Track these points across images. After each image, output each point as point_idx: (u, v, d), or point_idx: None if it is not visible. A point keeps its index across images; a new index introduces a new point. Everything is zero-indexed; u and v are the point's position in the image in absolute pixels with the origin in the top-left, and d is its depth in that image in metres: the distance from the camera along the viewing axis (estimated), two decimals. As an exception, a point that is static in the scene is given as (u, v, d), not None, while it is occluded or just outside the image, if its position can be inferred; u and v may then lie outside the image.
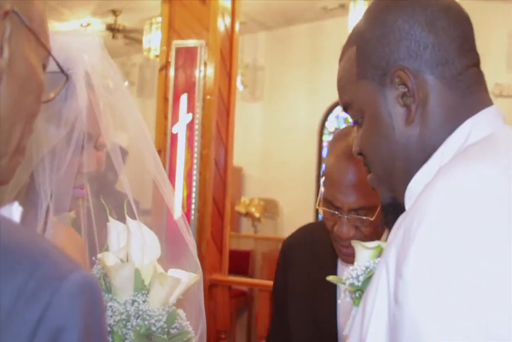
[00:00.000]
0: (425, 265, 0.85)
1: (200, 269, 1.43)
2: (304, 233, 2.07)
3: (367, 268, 1.11)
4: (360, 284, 1.10)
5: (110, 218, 1.38)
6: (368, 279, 1.09)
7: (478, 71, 1.11)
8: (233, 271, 5.15)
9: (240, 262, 7.15)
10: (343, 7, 8.11)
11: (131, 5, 7.43)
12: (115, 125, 1.48)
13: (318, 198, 1.82)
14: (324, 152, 9.07)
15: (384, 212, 1.19)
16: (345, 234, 1.70)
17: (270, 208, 8.94)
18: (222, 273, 4.30)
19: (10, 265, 0.67)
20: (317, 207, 1.80)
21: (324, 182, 1.78)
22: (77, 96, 1.33)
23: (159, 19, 6.11)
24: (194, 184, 4.15)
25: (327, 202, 1.73)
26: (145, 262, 1.33)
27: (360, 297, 1.11)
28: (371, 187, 1.69)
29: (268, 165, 9.33)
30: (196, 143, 4.14)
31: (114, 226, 1.38)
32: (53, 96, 0.94)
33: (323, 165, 1.82)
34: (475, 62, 1.11)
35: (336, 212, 1.71)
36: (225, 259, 4.32)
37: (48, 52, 0.86)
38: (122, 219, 1.38)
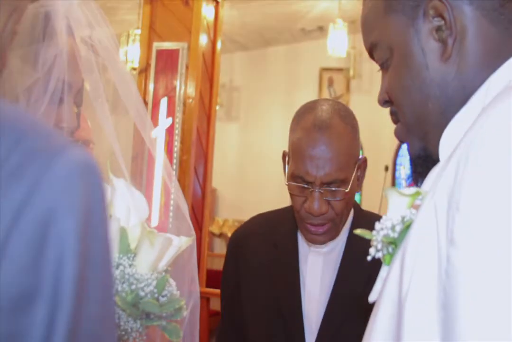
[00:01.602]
0: (492, 195, 0.70)
1: (194, 233, 1.29)
2: (258, 221, 1.99)
3: (403, 217, 0.95)
4: (396, 235, 0.94)
5: None
6: (405, 230, 0.93)
7: None
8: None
9: (215, 281, 6.97)
10: (322, 29, 8.12)
11: (108, 19, 7.33)
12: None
13: (286, 174, 1.74)
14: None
15: (413, 164, 1.07)
16: (317, 210, 1.63)
17: (244, 230, 8.81)
18: (200, 286, 4.12)
19: None
20: (285, 183, 1.71)
21: (290, 158, 1.71)
22: (57, 37, 1.21)
23: (137, 31, 6.03)
24: (172, 191, 3.98)
25: (297, 177, 1.66)
26: (131, 223, 1.18)
27: (393, 253, 0.95)
28: (348, 159, 1.64)
29: (243, 186, 9.22)
30: (175, 149, 3.99)
31: None
32: None
33: (288, 142, 1.74)
34: None
35: (307, 186, 1.64)
36: (202, 272, 4.16)
37: None
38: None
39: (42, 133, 0.56)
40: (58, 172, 0.52)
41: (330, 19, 7.10)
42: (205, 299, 4.10)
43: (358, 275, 1.68)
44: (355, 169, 1.68)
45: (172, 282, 1.20)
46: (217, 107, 8.49)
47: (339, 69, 8.64)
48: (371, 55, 1.09)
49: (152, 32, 4.10)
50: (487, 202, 0.70)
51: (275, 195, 9.02)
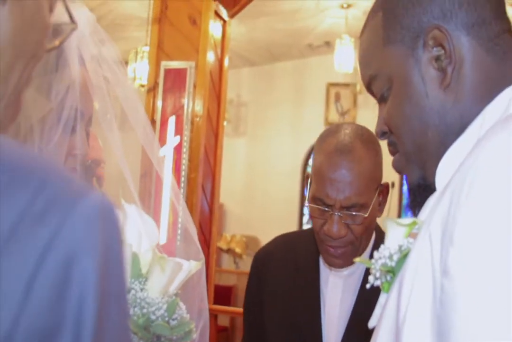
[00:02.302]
0: (482, 228, 0.72)
1: (203, 256, 1.32)
2: (280, 242, 1.98)
3: (400, 246, 0.98)
4: (393, 264, 0.97)
5: None
6: (403, 259, 0.95)
7: None
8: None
9: (223, 297, 6.96)
10: (329, 44, 8.17)
11: (116, 35, 7.40)
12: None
13: (306, 197, 1.75)
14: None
15: (412, 194, 1.09)
16: (336, 233, 1.64)
17: (251, 245, 8.79)
18: (208, 302, 4.12)
19: (12, 183, 0.54)
20: (306, 205, 1.74)
21: (312, 180, 1.72)
22: (69, 68, 1.24)
23: (145, 48, 6.07)
24: (180, 208, 4.00)
25: (317, 199, 1.67)
26: (143, 248, 1.21)
27: (391, 281, 0.97)
28: (369, 182, 1.65)
29: (250, 202, 9.22)
30: (183, 167, 4.01)
31: None
32: (58, 44, 0.85)
33: (309, 169, 1.76)
34: (509, 27, 1.02)
35: (327, 209, 1.65)
36: (210, 289, 4.15)
37: None
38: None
39: (63, 179, 0.59)
40: (79, 216, 0.55)
41: (337, 34, 7.15)
42: (213, 316, 4.09)
43: (377, 299, 1.68)
44: (376, 194, 1.68)
45: (182, 305, 1.22)
46: (225, 123, 8.54)
47: (346, 85, 8.67)
48: (369, 88, 1.12)
49: (160, 51, 4.13)
50: (480, 235, 0.72)
51: (282, 210, 9.03)
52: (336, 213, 1.64)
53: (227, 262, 9.06)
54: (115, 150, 1.33)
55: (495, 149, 0.78)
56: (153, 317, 1.14)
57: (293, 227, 8.81)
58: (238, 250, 8.45)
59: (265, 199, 9.09)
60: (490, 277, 0.70)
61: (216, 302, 4.92)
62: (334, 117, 9.08)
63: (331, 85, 8.96)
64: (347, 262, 1.72)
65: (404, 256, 0.94)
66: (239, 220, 9.26)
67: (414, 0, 1.01)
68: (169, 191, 1.52)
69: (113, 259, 0.58)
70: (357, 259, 1.06)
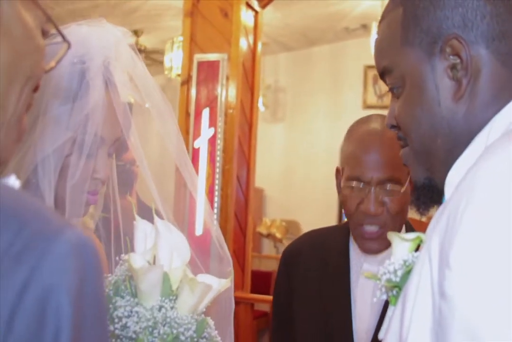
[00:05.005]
0: (477, 252, 0.74)
1: (232, 273, 1.34)
2: (310, 238, 1.99)
3: (405, 261, 1.01)
4: (398, 279, 1.00)
5: (137, 217, 1.28)
6: (407, 274, 0.98)
7: None
8: (254, 291, 5.03)
9: (262, 283, 7.02)
10: (365, 27, 8.08)
11: (153, 25, 7.45)
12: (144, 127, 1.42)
13: (338, 188, 1.78)
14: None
15: (416, 193, 1.10)
16: (374, 209, 1.67)
17: (292, 229, 8.82)
18: (245, 290, 4.20)
19: None
20: (340, 188, 1.76)
21: (345, 167, 1.74)
22: (90, 95, 1.26)
23: (181, 38, 6.12)
24: (216, 199, 4.07)
25: (353, 179, 1.70)
26: (174, 265, 1.24)
27: (397, 295, 1.00)
28: (402, 163, 1.65)
29: (290, 186, 9.23)
30: (218, 158, 4.07)
31: (141, 226, 1.28)
32: (55, 65, 0.86)
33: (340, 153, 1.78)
34: None
35: (363, 186, 1.68)
36: (247, 277, 4.22)
37: (47, 16, 0.80)
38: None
39: (43, 217, 0.64)
40: (54, 255, 0.60)
41: (374, 17, 7.05)
42: (249, 304, 4.16)
43: None
44: (408, 180, 1.69)
45: (210, 321, 1.25)
46: (263, 109, 8.55)
47: (384, 67, 8.57)
48: (381, 77, 1.12)
49: (192, 44, 4.18)
50: (476, 258, 0.74)
51: (321, 194, 9.04)
52: (372, 189, 1.67)
53: (267, 247, 9.12)
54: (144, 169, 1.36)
55: (492, 172, 0.80)
56: (182, 338, 1.17)
57: (332, 211, 8.81)
58: (278, 234, 8.48)
59: (305, 183, 9.09)
60: (486, 301, 0.72)
61: (254, 287, 4.99)
62: (373, 100, 9.01)
63: (369, 68, 8.88)
64: (382, 246, 1.71)
65: (408, 271, 0.97)
66: (279, 204, 9.28)
67: (435, 3, 1.00)
68: (202, 212, 1.55)
69: (89, 292, 0.63)
70: (365, 274, 1.09)
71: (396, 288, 1.00)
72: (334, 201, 9.02)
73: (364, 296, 1.77)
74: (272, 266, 7.82)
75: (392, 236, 1.06)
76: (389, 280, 1.00)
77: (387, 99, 8.91)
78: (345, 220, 1.84)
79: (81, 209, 1.31)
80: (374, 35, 6.85)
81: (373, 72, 8.96)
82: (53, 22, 0.80)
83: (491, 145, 0.90)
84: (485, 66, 0.97)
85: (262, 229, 8.47)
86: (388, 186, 1.67)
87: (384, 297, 1.02)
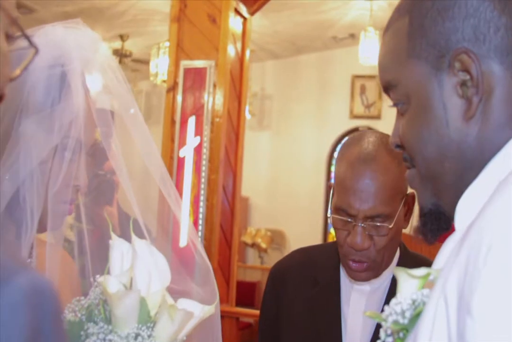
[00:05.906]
0: (503, 302, 0.67)
1: (218, 298, 1.25)
2: (299, 255, 1.92)
3: (414, 301, 0.90)
4: (406, 321, 0.89)
5: (113, 235, 1.18)
6: (416, 316, 0.88)
7: None
8: (239, 302, 4.97)
9: (247, 294, 6.95)
10: (353, 36, 8.06)
11: (139, 30, 7.37)
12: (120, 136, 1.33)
13: (329, 207, 1.68)
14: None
15: (423, 219, 1.01)
16: (360, 244, 1.58)
17: (277, 239, 8.75)
18: (230, 304, 4.09)
19: None
20: (328, 216, 1.67)
21: (334, 190, 1.66)
22: (72, 98, 1.19)
23: (167, 43, 6.04)
24: (201, 210, 3.97)
25: (340, 210, 1.61)
26: (152, 290, 1.14)
27: (404, 338, 0.90)
28: (394, 193, 1.59)
29: (275, 195, 9.18)
30: (203, 168, 3.97)
31: (117, 245, 1.18)
32: (19, 73, 0.78)
33: (332, 175, 1.70)
34: None
35: (350, 220, 1.59)
36: (232, 290, 4.12)
37: (11, 19, 0.71)
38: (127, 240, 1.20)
39: None
40: (5, 301, 0.55)
41: (362, 26, 7.04)
42: (234, 318, 4.06)
43: None
44: (402, 204, 1.61)
45: None
46: (249, 117, 8.48)
47: (371, 77, 8.56)
48: (385, 91, 1.02)
49: (179, 50, 4.08)
50: (501, 310, 0.67)
51: (307, 204, 8.99)
52: (359, 224, 1.58)
53: (252, 256, 9.05)
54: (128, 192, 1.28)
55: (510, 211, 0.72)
56: None
57: (317, 221, 8.76)
58: (263, 244, 8.41)
59: (290, 192, 9.04)
60: None
61: (239, 299, 4.90)
62: (359, 109, 8.98)
63: (356, 77, 8.86)
64: (370, 276, 1.66)
65: (418, 313, 0.87)
66: (264, 213, 9.23)
67: (444, 14, 0.91)
68: (187, 230, 1.46)
69: (44, 338, 0.58)
70: (367, 313, 0.99)
71: (404, 330, 0.90)
72: (320, 210, 8.96)
73: (355, 314, 1.71)
74: (257, 277, 7.75)
75: (398, 272, 0.95)
76: (396, 322, 0.89)
77: (374, 109, 8.89)
78: (331, 229, 1.78)
79: (63, 219, 1.23)
80: (362, 44, 6.82)
81: (361, 82, 8.95)
82: (18, 25, 0.71)
83: (508, 177, 0.81)
84: (499, 83, 0.88)
85: (246, 238, 8.40)
86: (377, 221, 1.58)
87: (390, 340, 0.92)
